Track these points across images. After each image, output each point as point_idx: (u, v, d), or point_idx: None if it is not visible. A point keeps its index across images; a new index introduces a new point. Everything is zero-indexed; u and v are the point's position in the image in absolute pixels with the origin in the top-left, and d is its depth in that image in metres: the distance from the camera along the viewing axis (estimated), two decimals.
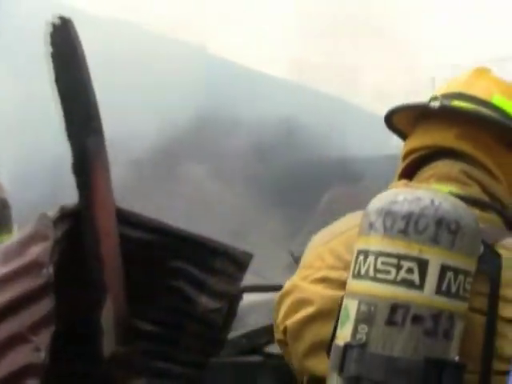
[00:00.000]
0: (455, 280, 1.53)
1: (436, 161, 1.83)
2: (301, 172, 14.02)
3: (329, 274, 1.74)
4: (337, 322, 1.63)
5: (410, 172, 1.90)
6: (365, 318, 1.54)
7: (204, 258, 3.79)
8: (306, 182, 13.72)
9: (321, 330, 1.70)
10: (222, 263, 3.78)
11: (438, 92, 1.95)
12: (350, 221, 1.87)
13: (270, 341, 5.18)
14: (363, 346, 1.53)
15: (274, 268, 9.32)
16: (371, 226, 1.61)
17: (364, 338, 1.53)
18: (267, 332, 5.80)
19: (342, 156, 14.09)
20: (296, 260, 10.17)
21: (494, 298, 1.59)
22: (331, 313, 1.67)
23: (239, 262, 3.80)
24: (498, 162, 1.81)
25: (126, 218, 3.67)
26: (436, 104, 1.78)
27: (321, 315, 1.71)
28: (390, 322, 1.52)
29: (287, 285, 1.96)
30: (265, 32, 20.21)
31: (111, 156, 3.49)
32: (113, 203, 3.56)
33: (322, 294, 1.74)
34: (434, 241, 1.53)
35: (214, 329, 3.72)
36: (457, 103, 1.84)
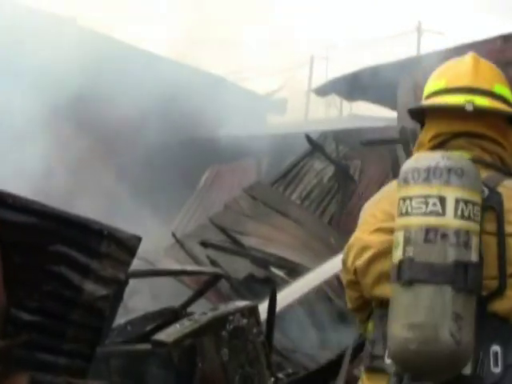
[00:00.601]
0: (466, 208, 2.27)
1: (456, 139, 2.56)
2: (180, 150, 13.75)
3: (381, 225, 2.45)
4: None
5: (437, 147, 2.56)
6: (409, 241, 2.27)
7: (88, 241, 3.53)
8: (187, 161, 13.48)
9: (380, 266, 2.40)
10: (107, 247, 3.52)
11: (444, 83, 2.60)
12: (388, 188, 2.61)
13: (158, 327, 4.99)
14: (411, 259, 2.26)
15: (156, 249, 9.08)
16: (405, 180, 2.34)
17: (411, 254, 2.26)
18: (153, 318, 5.60)
19: (222, 133, 13.93)
20: (178, 240, 9.84)
21: (501, 222, 2.34)
22: (386, 252, 2.39)
23: (127, 246, 3.55)
24: (504, 136, 2.58)
25: (1, 200, 3.40)
26: (470, 107, 2.48)
27: (379, 255, 2.41)
28: (426, 240, 2.26)
29: (352, 239, 2.54)
30: (143, 8, 19.74)
31: None
32: None
33: (377, 240, 2.43)
34: (448, 182, 2.28)
35: (101, 317, 3.47)
36: (478, 102, 2.51)
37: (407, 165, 2.39)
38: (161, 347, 4.28)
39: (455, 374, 2.28)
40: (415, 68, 11.16)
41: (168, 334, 4.40)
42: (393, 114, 13.05)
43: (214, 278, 5.62)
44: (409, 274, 2.25)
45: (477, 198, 2.30)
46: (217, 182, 13.47)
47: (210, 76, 16.74)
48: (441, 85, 2.60)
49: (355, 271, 2.49)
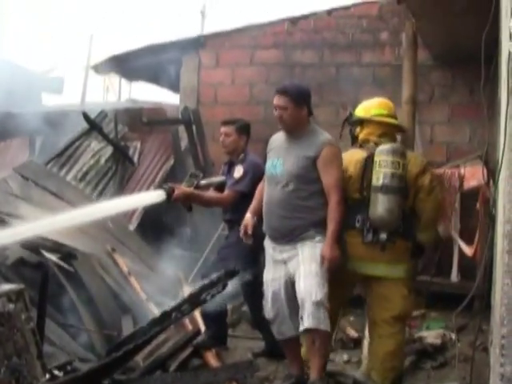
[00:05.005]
0: (400, 164, 5.89)
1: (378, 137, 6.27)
2: None
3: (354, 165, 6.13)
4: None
5: (366, 140, 6.20)
6: (384, 177, 5.82)
7: None
8: None
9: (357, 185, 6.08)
10: None
11: (372, 111, 6.28)
12: (351, 153, 6.16)
13: None
14: (386, 184, 5.78)
15: None
16: (378, 154, 5.90)
17: (386, 182, 5.84)
18: None
19: None
20: None
21: (405, 167, 6.01)
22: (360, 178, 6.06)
23: None
24: (392, 133, 6.35)
25: None
26: (379, 119, 6.23)
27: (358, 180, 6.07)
28: (391, 177, 5.82)
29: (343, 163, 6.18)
30: None
31: None
32: None
33: (356, 172, 6.10)
34: (393, 156, 5.88)
35: None
36: (390, 120, 6.29)
37: (380, 149, 5.84)
38: None
39: (393, 229, 5.73)
40: (200, 48, 10.93)
41: None
42: (174, 99, 12.75)
43: None
44: (385, 189, 5.65)
45: (401, 160, 5.77)
46: None
47: None
48: (381, 111, 6.22)
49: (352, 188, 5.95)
